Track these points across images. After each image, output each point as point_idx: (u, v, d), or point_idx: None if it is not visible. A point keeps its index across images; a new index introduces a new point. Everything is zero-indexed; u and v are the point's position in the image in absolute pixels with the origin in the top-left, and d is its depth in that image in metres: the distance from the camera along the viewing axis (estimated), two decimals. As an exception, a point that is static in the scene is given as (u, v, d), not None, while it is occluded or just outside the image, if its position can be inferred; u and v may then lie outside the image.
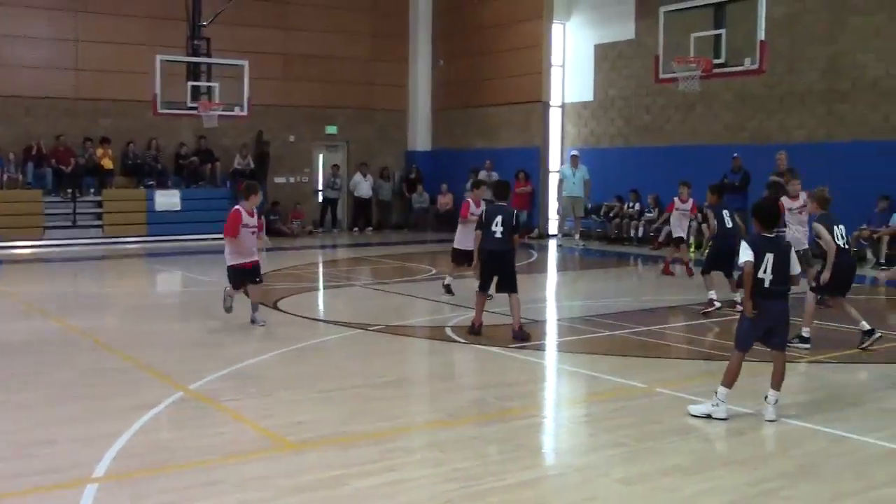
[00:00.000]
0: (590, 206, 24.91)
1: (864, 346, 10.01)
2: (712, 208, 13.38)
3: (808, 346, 10.11)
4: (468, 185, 14.92)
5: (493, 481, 5.88)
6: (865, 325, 10.07)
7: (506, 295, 10.81)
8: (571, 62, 26.69)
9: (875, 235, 18.12)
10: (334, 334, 11.24)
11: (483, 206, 12.30)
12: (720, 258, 12.84)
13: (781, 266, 7.31)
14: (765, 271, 7.28)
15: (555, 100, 26.73)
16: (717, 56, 16.35)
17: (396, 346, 10.84)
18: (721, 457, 6.66)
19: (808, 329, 10.22)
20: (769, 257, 7.29)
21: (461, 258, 13.75)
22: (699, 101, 22.50)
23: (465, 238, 13.51)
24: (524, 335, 10.57)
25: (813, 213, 10.55)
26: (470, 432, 7.00)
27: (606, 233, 24.67)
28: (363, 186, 28.39)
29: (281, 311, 12.72)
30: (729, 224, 13.07)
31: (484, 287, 10.90)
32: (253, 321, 11.26)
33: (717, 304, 12.63)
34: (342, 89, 28.40)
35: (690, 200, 16.88)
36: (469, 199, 14.13)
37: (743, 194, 19.90)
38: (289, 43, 27.54)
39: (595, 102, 25.99)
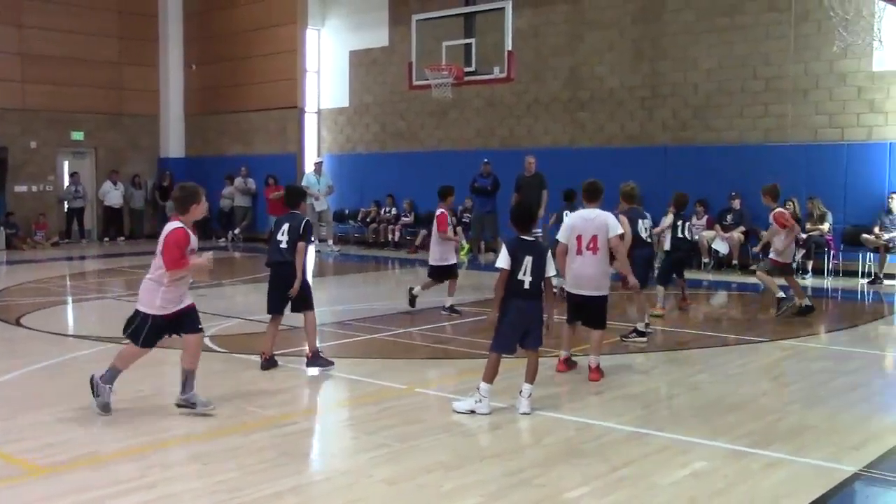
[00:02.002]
0: (337, 209, 25.13)
1: (626, 338, 10.91)
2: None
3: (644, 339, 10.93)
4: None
5: (257, 490, 5.84)
6: (641, 325, 10.98)
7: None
8: (327, 68, 26.80)
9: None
10: (85, 349, 10.76)
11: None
12: None
13: (539, 268, 7.65)
14: (524, 273, 7.59)
15: (311, 106, 26.76)
16: (468, 64, 16.93)
17: (152, 358, 10.44)
18: (480, 451, 6.91)
19: (643, 324, 11.07)
20: (528, 260, 7.61)
21: (442, 275, 13.38)
22: (452, 108, 23.15)
23: (445, 253, 13.36)
24: (323, 362, 9.51)
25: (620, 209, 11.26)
26: (231, 443, 6.91)
27: (364, 237, 24.94)
28: (113, 195, 27.29)
29: (24, 327, 12.08)
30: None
31: (275, 308, 9.64)
32: (191, 404, 7.63)
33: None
34: (88, 93, 27.21)
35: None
36: (443, 211, 13.67)
37: (493, 198, 20.72)
38: (26, 42, 26.03)
39: (351, 108, 26.21)
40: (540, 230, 18.18)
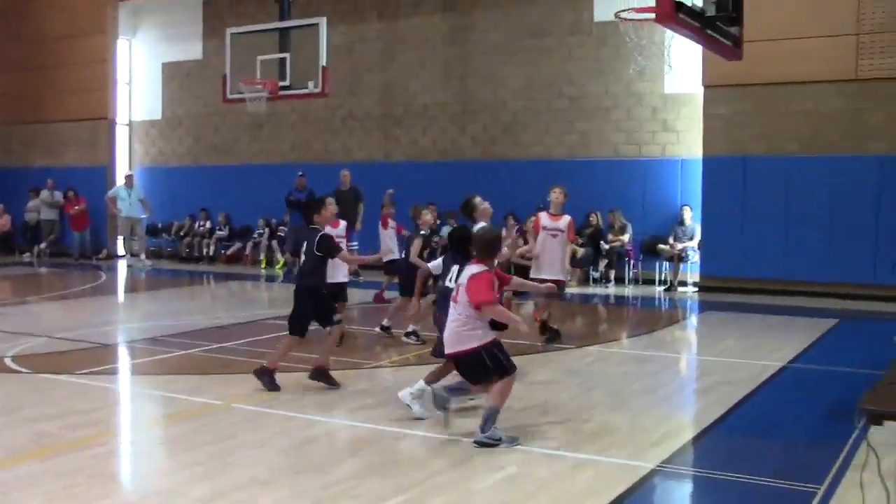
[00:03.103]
0: (150, 223, 24.35)
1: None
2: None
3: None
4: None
5: (65, 514, 5.55)
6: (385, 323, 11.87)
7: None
8: (139, 80, 25.95)
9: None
10: None
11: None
12: None
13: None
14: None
15: (122, 117, 25.82)
16: (283, 79, 16.78)
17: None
18: (297, 465, 6.77)
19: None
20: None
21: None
22: (267, 122, 22.88)
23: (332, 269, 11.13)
24: (329, 379, 8.90)
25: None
26: (34, 468, 6.47)
27: (177, 251, 24.27)
28: None
29: None
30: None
31: (297, 331, 9.21)
32: (496, 440, 6.96)
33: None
34: None
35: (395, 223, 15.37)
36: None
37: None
38: None
39: (163, 121, 25.48)
40: (356, 244, 18.28)
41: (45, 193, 25.44)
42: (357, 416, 7.87)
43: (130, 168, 25.45)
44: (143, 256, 23.25)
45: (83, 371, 9.92)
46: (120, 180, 24.18)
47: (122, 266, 23.37)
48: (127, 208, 22.99)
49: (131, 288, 19.53)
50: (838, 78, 16.37)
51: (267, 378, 8.82)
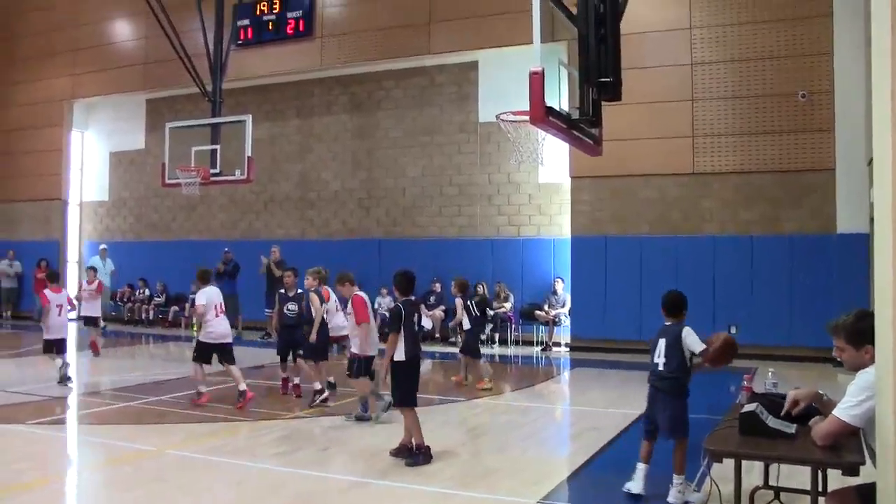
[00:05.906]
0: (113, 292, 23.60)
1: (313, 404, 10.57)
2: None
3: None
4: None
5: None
6: (317, 385, 10.69)
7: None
8: (89, 166, 25.39)
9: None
10: None
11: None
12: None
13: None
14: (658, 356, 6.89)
15: (74, 198, 25.21)
16: (214, 166, 16.64)
17: None
18: (223, 503, 6.59)
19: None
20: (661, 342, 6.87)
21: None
22: (200, 203, 22.53)
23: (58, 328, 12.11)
24: (420, 458, 7.65)
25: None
26: (-13, 510, 6.19)
27: (121, 315, 23.55)
28: None
29: None
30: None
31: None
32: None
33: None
34: None
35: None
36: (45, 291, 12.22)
37: (234, 281, 20.27)
38: None
39: (110, 202, 24.91)
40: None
41: (4, 263, 24.44)
42: (276, 460, 7.67)
43: (80, 242, 24.72)
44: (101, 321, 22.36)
45: (34, 421, 9.47)
46: (72, 253, 23.40)
47: (72, 327, 22.45)
48: (101, 278, 22.28)
49: (80, 347, 18.76)
50: (678, 172, 16.98)
51: (421, 457, 7.69)
